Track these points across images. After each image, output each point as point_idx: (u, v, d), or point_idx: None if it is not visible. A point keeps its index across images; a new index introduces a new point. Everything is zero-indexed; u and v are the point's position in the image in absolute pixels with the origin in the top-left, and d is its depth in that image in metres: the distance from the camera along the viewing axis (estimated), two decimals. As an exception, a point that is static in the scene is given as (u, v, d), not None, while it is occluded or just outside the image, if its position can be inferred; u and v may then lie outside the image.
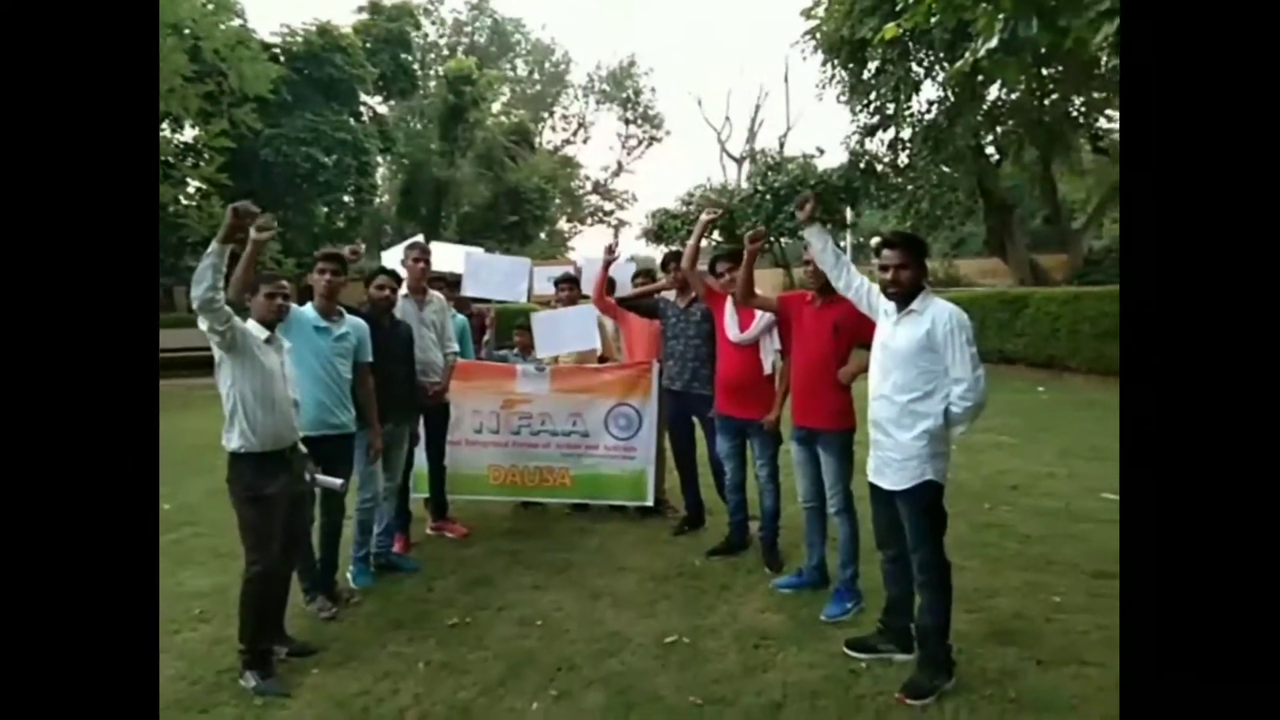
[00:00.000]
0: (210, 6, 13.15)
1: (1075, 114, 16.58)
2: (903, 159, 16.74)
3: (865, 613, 3.37)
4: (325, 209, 19.22)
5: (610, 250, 4.91)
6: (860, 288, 3.06)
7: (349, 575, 3.89)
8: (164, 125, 14.30)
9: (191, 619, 3.52)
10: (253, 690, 2.85)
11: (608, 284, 4.91)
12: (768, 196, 17.91)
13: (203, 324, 2.74)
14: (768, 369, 3.89)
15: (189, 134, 15.43)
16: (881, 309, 2.92)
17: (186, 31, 11.68)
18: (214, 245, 2.64)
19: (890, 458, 2.80)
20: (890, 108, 15.78)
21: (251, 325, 2.95)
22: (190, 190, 14.05)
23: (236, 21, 15.16)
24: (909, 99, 15.49)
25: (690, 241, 4.23)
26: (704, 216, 4.29)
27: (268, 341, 2.97)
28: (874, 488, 2.91)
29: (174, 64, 10.99)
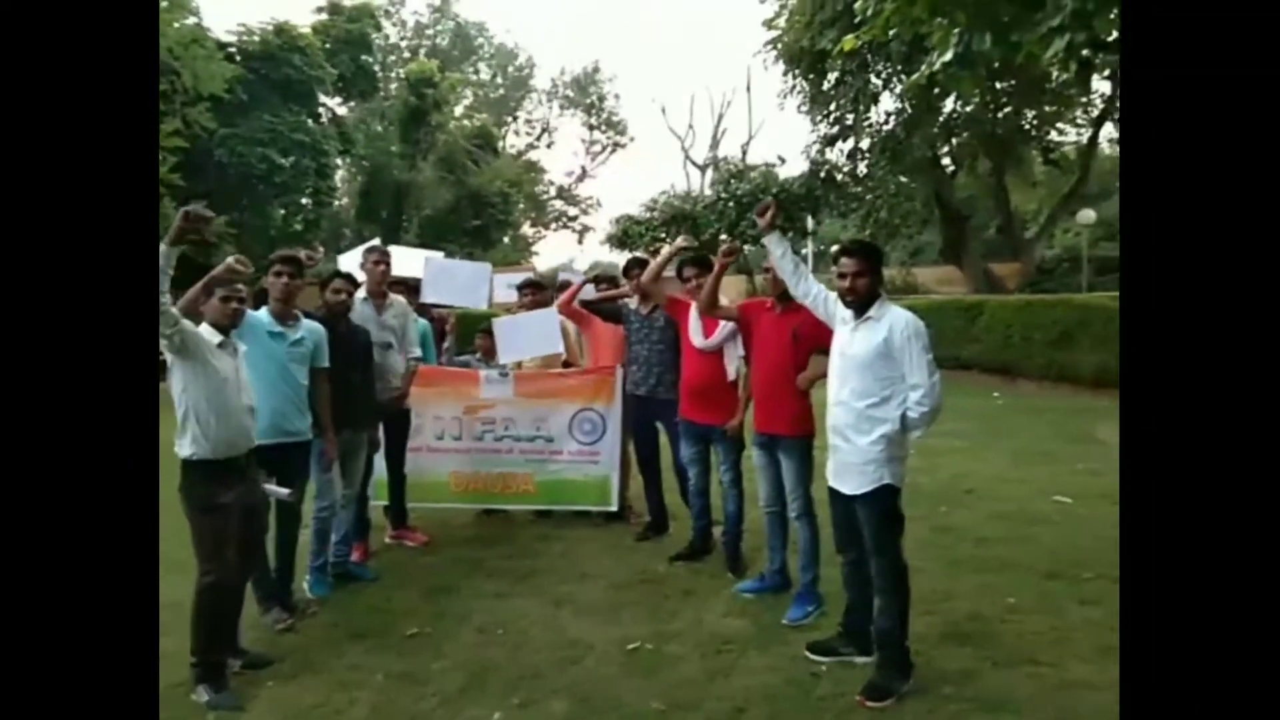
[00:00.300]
0: (164, 4, 12.82)
1: (1027, 127, 17.10)
2: (862, 168, 17.05)
3: (826, 616, 3.40)
4: (282, 211, 18.85)
5: (595, 282, 5.07)
6: (818, 295, 3.10)
7: (306, 585, 3.80)
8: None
9: (139, 633, 3.40)
10: (206, 704, 2.77)
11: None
12: (730, 204, 18.05)
13: None
14: (731, 375, 3.92)
15: (140, 133, 15.01)
16: (839, 316, 2.97)
17: (138, 28, 11.38)
18: (162, 248, 2.56)
19: (849, 462, 2.84)
20: (850, 118, 16.07)
21: (204, 329, 2.87)
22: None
23: (191, 20, 14.80)
24: (868, 110, 15.80)
25: (656, 262, 4.24)
26: (679, 242, 4.35)
27: (221, 346, 2.89)
28: (833, 492, 2.95)
29: (124, 60, 10.70)
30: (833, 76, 15.63)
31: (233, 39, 17.38)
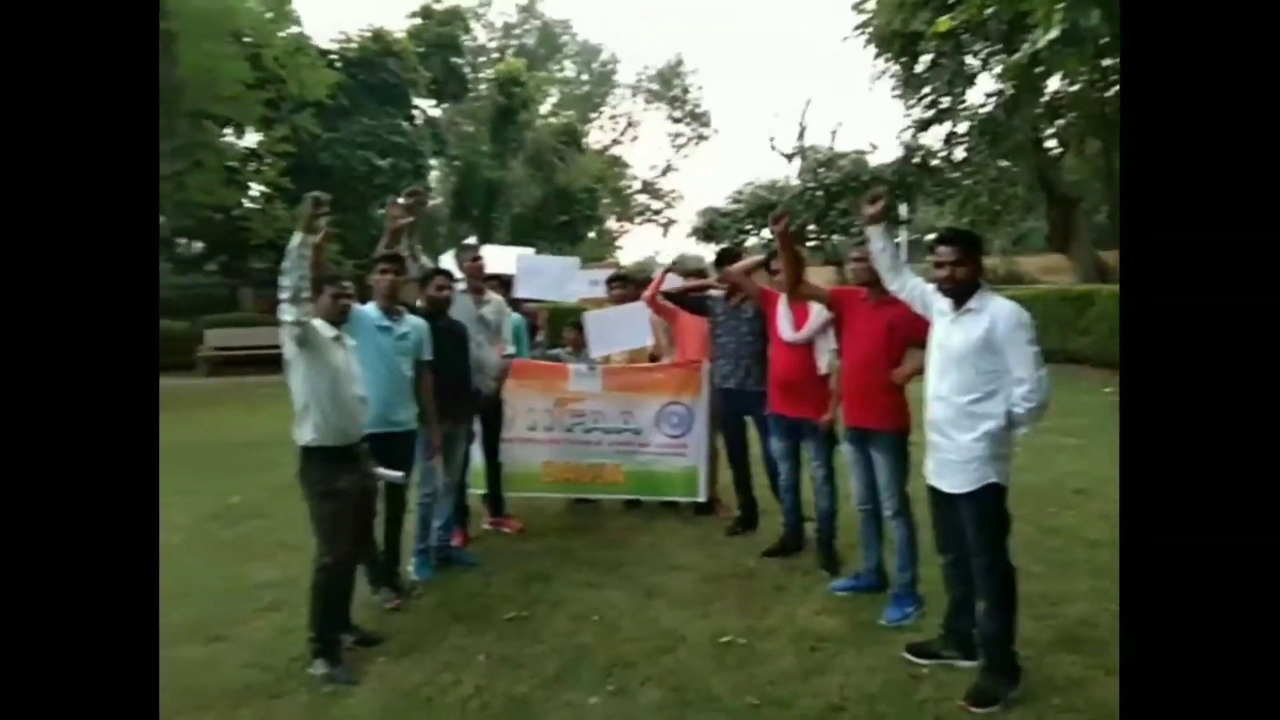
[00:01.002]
0: (269, 15, 13.59)
1: (1141, 104, 15.92)
2: (959, 153, 16.38)
3: (926, 617, 3.31)
4: (381, 211, 19.66)
5: (676, 264, 5.08)
6: (914, 289, 3.01)
7: (411, 568, 3.99)
8: (227, 131, 14.84)
9: (261, 609, 3.65)
10: (322, 678, 2.95)
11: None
12: (819, 193, 17.71)
13: (287, 315, 2.83)
14: (823, 369, 3.84)
15: (251, 139, 16.00)
16: (937, 308, 2.87)
17: (247, 40, 12.09)
18: (298, 236, 2.73)
19: (949, 460, 2.75)
20: (945, 101, 15.44)
21: (318, 323, 3.05)
22: (254, 194, 14.55)
23: (295, 29, 15.65)
24: (964, 92, 15.14)
25: (748, 261, 4.21)
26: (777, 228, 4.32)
27: (335, 339, 3.07)
28: (933, 490, 2.86)
29: (235, 72, 11.39)
30: (926, 58, 15.05)
31: (333, 46, 18.25)
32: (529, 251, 6.06)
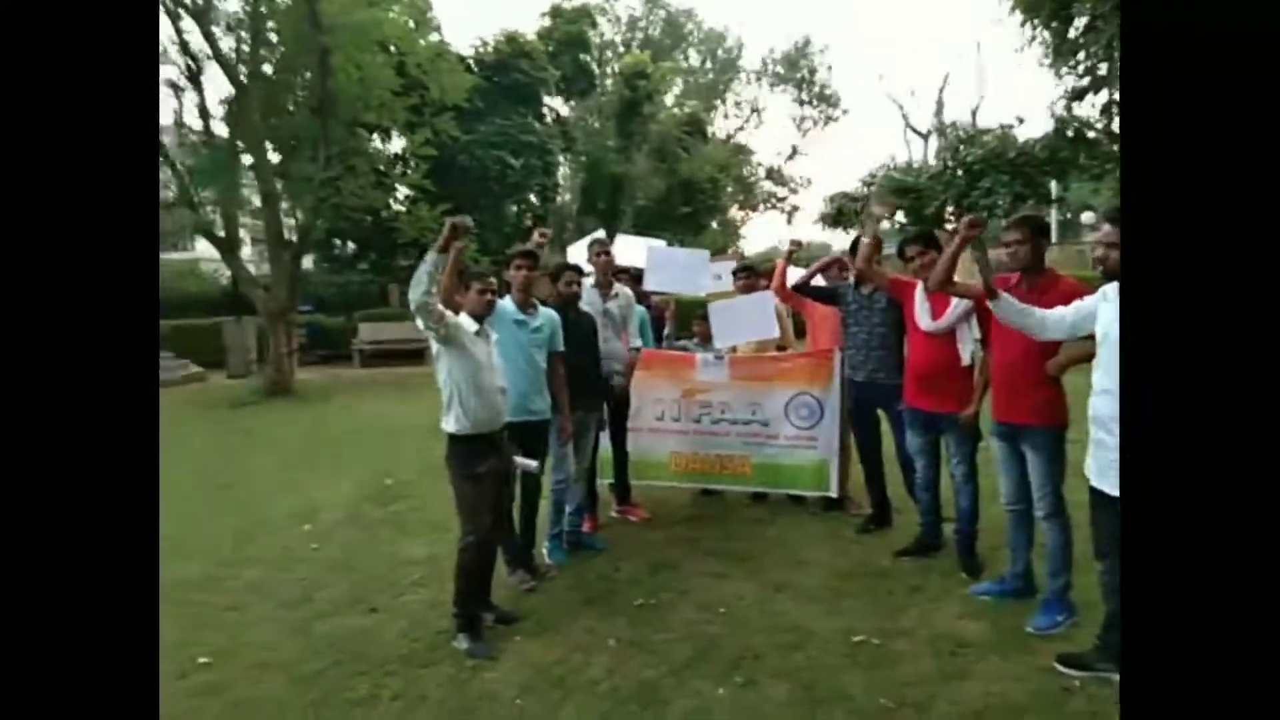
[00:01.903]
0: (412, 24, 14.40)
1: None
2: (1118, 124, 14.90)
3: (1078, 627, 3.08)
4: (514, 208, 20.49)
5: (795, 246, 4.93)
6: (1066, 315, 2.83)
7: (545, 551, 4.16)
8: (374, 137, 15.89)
9: (412, 584, 3.93)
10: (465, 652, 3.14)
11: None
12: (959, 172, 16.66)
13: (418, 323, 3.05)
14: (965, 359, 3.64)
15: (397, 145, 17.07)
16: (1102, 293, 2.64)
17: (392, 49, 12.87)
18: (431, 254, 2.93)
19: (1115, 460, 2.52)
20: (1103, 68, 14.08)
21: (464, 318, 3.23)
22: (400, 196, 15.55)
23: (435, 36, 16.50)
24: (1126, 56, 13.75)
25: (864, 242, 4.01)
26: (875, 209, 4.10)
27: (478, 334, 3.25)
28: (1095, 492, 2.64)
29: (383, 80, 12.16)
30: (1081, 22, 13.79)
31: (470, 51, 19.11)
32: (659, 243, 6.08)
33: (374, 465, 6.57)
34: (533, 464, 3.52)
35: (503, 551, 3.71)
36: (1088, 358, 2.76)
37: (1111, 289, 2.58)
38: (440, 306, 3.03)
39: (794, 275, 4.77)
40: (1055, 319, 2.85)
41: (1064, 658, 2.84)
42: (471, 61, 18.62)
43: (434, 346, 3.18)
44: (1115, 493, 2.53)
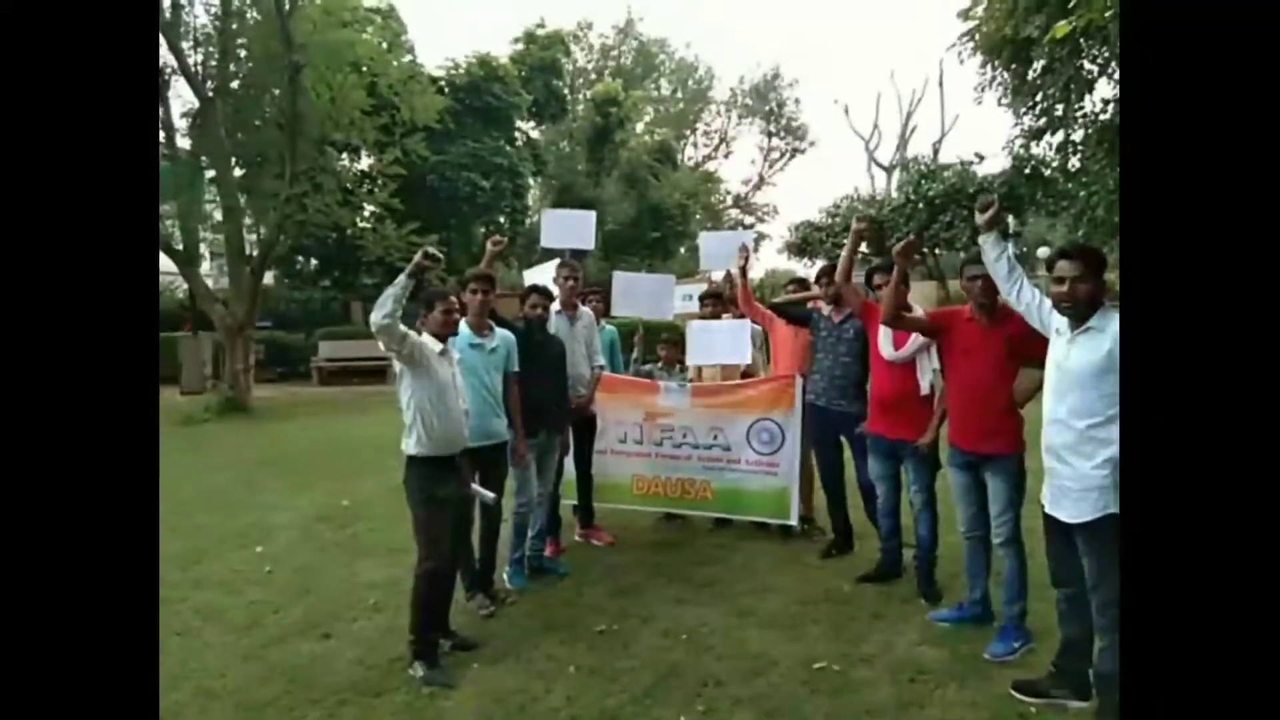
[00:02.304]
0: (385, 45, 14.41)
1: None
2: (1074, 163, 15.44)
3: (1034, 654, 3.12)
4: (483, 230, 20.43)
5: (743, 253, 4.82)
6: (1032, 302, 2.86)
7: (505, 576, 4.09)
8: (344, 155, 15.78)
9: (367, 608, 3.83)
10: (421, 679, 3.06)
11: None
12: (920, 205, 17.12)
13: (380, 344, 3.01)
14: (925, 389, 3.71)
15: (365, 163, 16.96)
16: (1055, 326, 2.72)
17: (365, 69, 12.85)
18: (401, 279, 2.91)
19: (1068, 487, 2.58)
20: (1059, 109, 14.62)
21: (426, 339, 3.20)
22: (366, 214, 15.42)
23: (408, 58, 16.50)
24: (1081, 99, 14.28)
25: (843, 254, 4.08)
26: (855, 225, 4.13)
27: (441, 354, 3.21)
28: (1050, 519, 2.69)
29: (354, 99, 12.11)
30: (1039, 65, 14.32)
31: (442, 73, 19.14)
32: (623, 273, 6.15)
33: (331, 486, 6.42)
34: (491, 495, 3.49)
35: (462, 576, 3.64)
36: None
37: (1064, 323, 2.65)
38: (402, 328, 3.00)
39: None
40: (1030, 293, 2.89)
41: (1020, 684, 2.87)
42: (443, 83, 18.64)
43: (396, 366, 3.14)
44: (1067, 519, 2.59)
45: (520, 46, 22.33)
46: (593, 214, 5.75)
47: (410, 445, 3.13)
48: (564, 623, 3.62)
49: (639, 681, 3.05)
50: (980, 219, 2.96)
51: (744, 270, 4.78)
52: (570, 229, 5.42)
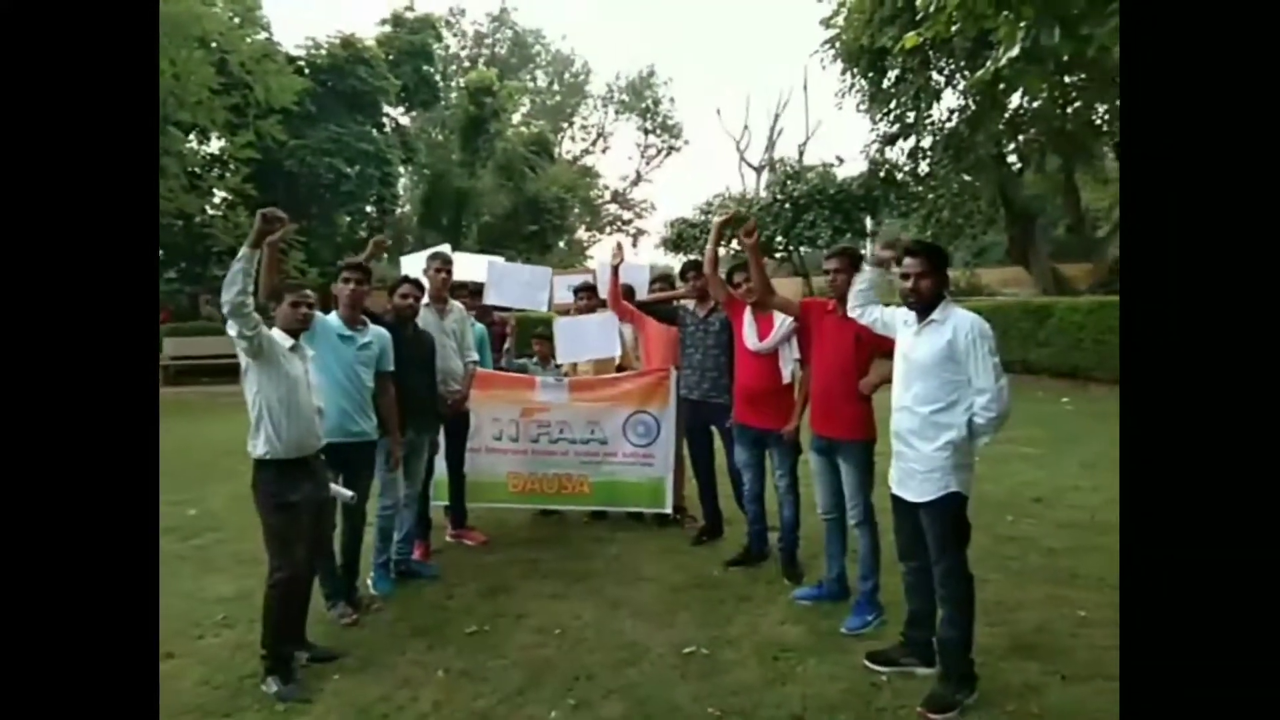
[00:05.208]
0: (237, 20, 13.39)
1: (1098, 122, 16.38)
2: (923, 167, 16.66)
3: (887, 626, 3.33)
4: (348, 219, 19.45)
5: (618, 253, 4.80)
6: (877, 321, 3.08)
7: (370, 582, 3.91)
8: (190, 137, 14.56)
9: (215, 624, 3.55)
10: (274, 696, 2.88)
11: (626, 291, 4.91)
12: (786, 205, 17.89)
13: (231, 329, 2.79)
14: (786, 378, 3.88)
15: (215, 145, 15.72)
16: (901, 319, 2.91)
17: (214, 45, 11.91)
18: (244, 250, 2.69)
19: (913, 469, 2.78)
20: (911, 116, 15.71)
21: (276, 333, 2.99)
22: (216, 201, 14.31)
23: (263, 35, 15.41)
24: (929, 107, 15.42)
25: (708, 246, 4.18)
26: (716, 219, 4.25)
27: (292, 349, 3.01)
28: (896, 499, 2.89)
29: (201, 77, 11.20)
30: (893, 74, 15.32)
31: (301, 53, 18.02)
32: (499, 259, 6.01)
33: (176, 494, 5.90)
34: (349, 494, 3.31)
35: (321, 584, 3.45)
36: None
37: (911, 316, 2.84)
38: (256, 314, 2.79)
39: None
40: (877, 313, 3.07)
41: (873, 655, 3.06)
42: (303, 63, 17.56)
43: (243, 361, 2.91)
44: (912, 499, 2.79)
45: (387, 29, 21.35)
46: (548, 271, 5.53)
47: (258, 447, 2.92)
48: (432, 626, 3.51)
49: (510, 681, 3.01)
50: (880, 254, 3.11)
51: (615, 271, 4.78)
52: (521, 287, 5.18)
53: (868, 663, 3.03)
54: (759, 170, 30.53)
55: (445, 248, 4.86)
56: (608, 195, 36.05)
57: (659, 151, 36.93)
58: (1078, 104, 15.30)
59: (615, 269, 4.77)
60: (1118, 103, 15.41)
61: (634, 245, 35.81)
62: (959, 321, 2.70)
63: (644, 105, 36.28)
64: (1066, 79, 13.81)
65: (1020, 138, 16.42)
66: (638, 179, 36.77)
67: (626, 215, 36.40)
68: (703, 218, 20.14)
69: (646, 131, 36.61)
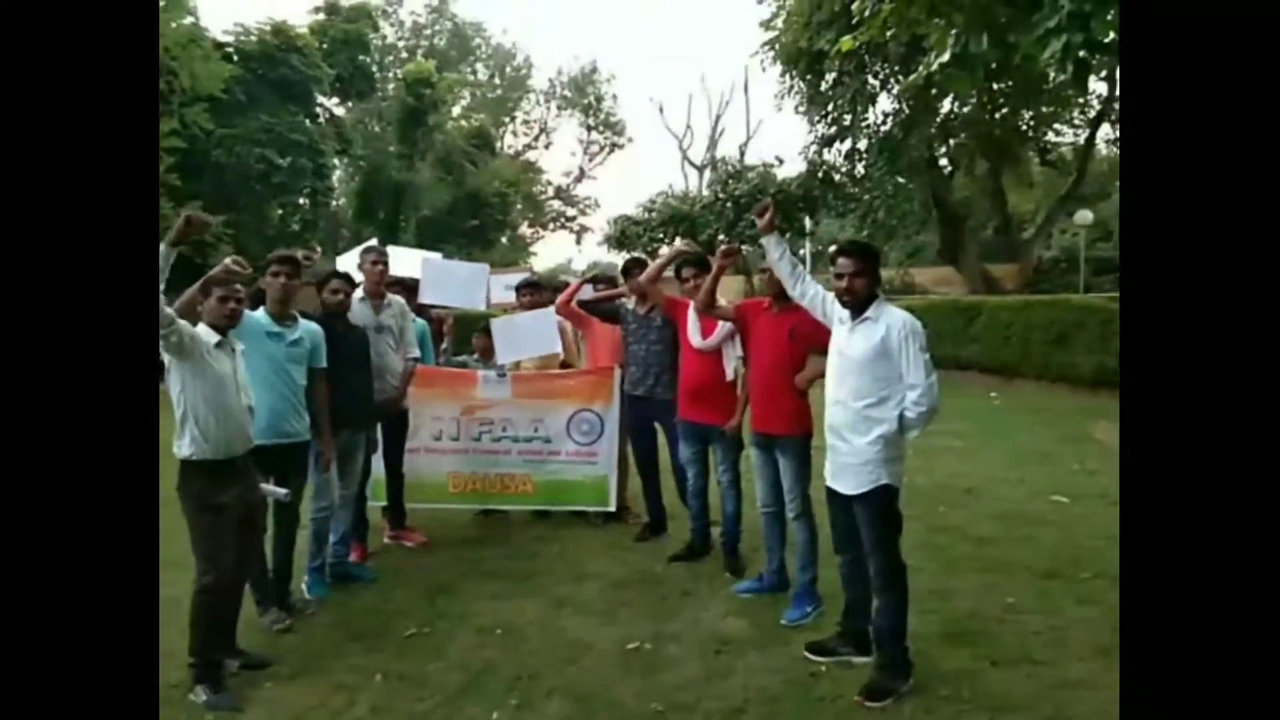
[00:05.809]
0: (162, 4, 12.80)
1: (1024, 128, 17.14)
2: (859, 169, 17.08)
3: (825, 616, 3.41)
4: (279, 211, 18.84)
5: (593, 282, 5.02)
6: (815, 296, 3.11)
7: (304, 586, 3.79)
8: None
9: (137, 634, 3.39)
10: (204, 704, 2.77)
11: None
12: (728, 204, 18.10)
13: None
14: (730, 375, 3.92)
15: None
16: (836, 316, 2.98)
17: (135, 28, 11.37)
18: (162, 248, 2.56)
19: (847, 462, 2.85)
20: (847, 119, 16.10)
21: (202, 329, 2.87)
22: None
23: (188, 19, 14.77)
24: (865, 110, 15.82)
25: (655, 264, 4.26)
26: (678, 245, 4.35)
27: (219, 346, 2.89)
28: (831, 492, 2.95)
29: (121, 61, 10.69)
30: (830, 77, 15.66)
31: (230, 39, 17.34)
32: (436, 256, 5.89)
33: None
34: (282, 492, 3.20)
35: (252, 589, 3.33)
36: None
37: (845, 313, 2.91)
38: (171, 311, 2.66)
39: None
40: (814, 289, 3.10)
41: (811, 646, 3.13)
42: (231, 50, 16.89)
43: (166, 359, 2.78)
44: (846, 491, 2.85)
45: (321, 17, 20.72)
46: (485, 268, 5.44)
47: (183, 448, 2.80)
48: (370, 630, 3.42)
49: (451, 682, 2.96)
50: (759, 223, 3.17)
51: (581, 285, 4.92)
52: (457, 285, 5.08)
53: (807, 653, 3.10)
54: (701, 169, 30.78)
55: (373, 241, 4.76)
56: (551, 191, 35.80)
57: (602, 148, 36.87)
58: (1005, 110, 15.95)
59: (584, 281, 4.88)
60: (1043, 109, 16.13)
61: (577, 243, 35.72)
62: (892, 319, 2.77)
63: (586, 102, 36.13)
64: (994, 85, 14.38)
65: (951, 142, 17.05)
66: (581, 175, 36.62)
67: (570, 212, 36.21)
68: (646, 215, 20.19)
69: (589, 128, 36.48)
